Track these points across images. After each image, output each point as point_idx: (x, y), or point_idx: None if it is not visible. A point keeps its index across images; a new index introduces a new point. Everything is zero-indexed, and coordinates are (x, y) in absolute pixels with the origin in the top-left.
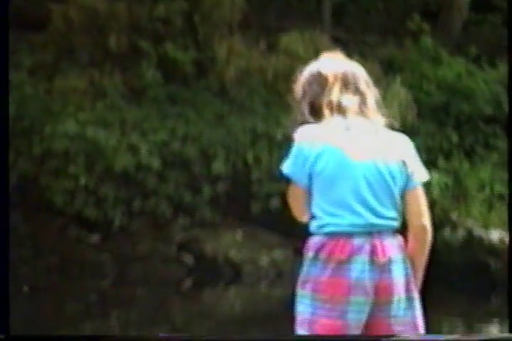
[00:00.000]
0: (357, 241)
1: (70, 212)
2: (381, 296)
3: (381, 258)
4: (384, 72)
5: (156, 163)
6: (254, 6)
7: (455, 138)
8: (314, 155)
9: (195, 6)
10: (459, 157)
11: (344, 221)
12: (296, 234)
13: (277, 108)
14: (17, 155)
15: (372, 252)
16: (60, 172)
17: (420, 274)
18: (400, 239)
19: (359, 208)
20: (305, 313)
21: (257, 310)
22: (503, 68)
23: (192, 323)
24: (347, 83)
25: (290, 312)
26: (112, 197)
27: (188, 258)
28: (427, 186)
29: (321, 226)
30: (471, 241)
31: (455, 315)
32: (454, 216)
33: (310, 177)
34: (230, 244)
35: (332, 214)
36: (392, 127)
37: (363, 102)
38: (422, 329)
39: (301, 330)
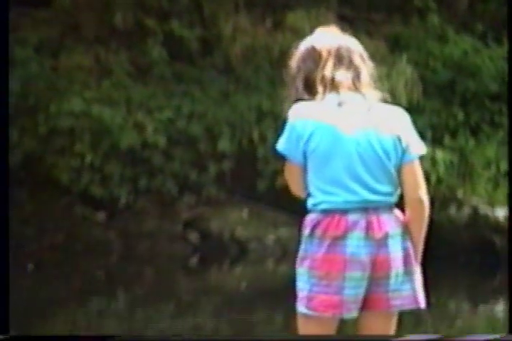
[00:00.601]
0: (352, 217)
1: (75, 190)
2: (378, 271)
3: (377, 233)
4: (390, 49)
5: (161, 141)
6: None
7: (461, 116)
8: (308, 133)
9: None
10: (465, 135)
11: (338, 198)
12: (302, 212)
13: (282, 86)
14: (22, 133)
15: (368, 227)
16: (66, 150)
17: (420, 247)
18: (398, 213)
19: (353, 185)
20: (304, 290)
21: (263, 288)
22: (508, 45)
23: (198, 300)
24: (341, 58)
25: (295, 289)
26: (118, 175)
27: (194, 236)
28: (433, 164)
29: (316, 204)
30: (477, 219)
31: (461, 292)
32: (459, 194)
33: (304, 155)
34: (236, 221)
35: (326, 192)
36: (387, 101)
37: (357, 77)
38: (422, 303)
39: (300, 307)
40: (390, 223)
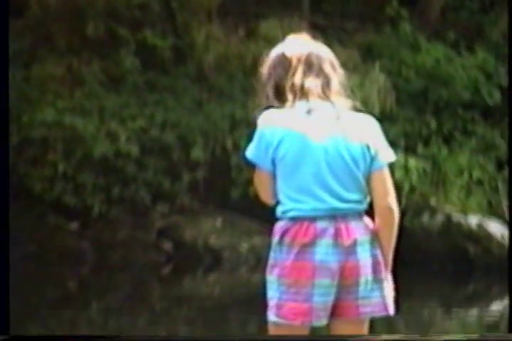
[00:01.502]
0: (320, 225)
1: (48, 199)
2: (347, 278)
3: (346, 241)
4: (363, 58)
5: (134, 150)
6: None
7: (433, 124)
8: (276, 141)
9: None
10: (438, 143)
11: (307, 206)
12: (276, 220)
13: (255, 93)
14: None
15: (337, 234)
16: (39, 159)
17: (390, 255)
18: (367, 220)
19: (321, 193)
20: (273, 298)
21: (237, 296)
22: (481, 54)
23: (172, 309)
24: (311, 65)
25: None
26: (91, 184)
27: (168, 245)
28: (406, 172)
29: (285, 212)
30: (450, 227)
31: (434, 299)
32: (432, 201)
33: (273, 162)
34: (210, 230)
35: (295, 200)
36: (358, 109)
37: (326, 84)
38: (391, 310)
39: (270, 315)
40: (358, 230)
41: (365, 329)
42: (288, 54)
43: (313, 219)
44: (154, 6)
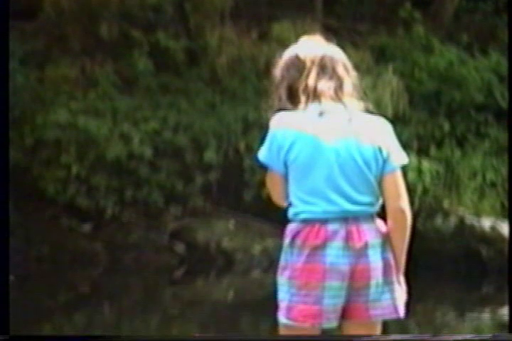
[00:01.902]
0: (332, 227)
1: (61, 201)
2: (358, 281)
3: (357, 243)
4: (375, 60)
5: (148, 152)
6: None
7: (447, 127)
8: (288, 143)
9: None
10: (451, 145)
11: (318, 208)
12: (288, 222)
13: (267, 95)
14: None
15: (348, 237)
16: (52, 161)
17: (402, 257)
18: (379, 223)
19: (333, 196)
20: (284, 300)
21: (250, 298)
22: (494, 56)
23: (184, 312)
24: (324, 67)
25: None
26: (104, 186)
27: (181, 247)
28: (419, 174)
29: (297, 214)
30: (463, 229)
31: (447, 302)
32: (445, 204)
33: (285, 165)
34: (223, 232)
35: (306, 202)
36: (371, 111)
37: (339, 87)
38: (401, 313)
39: (281, 317)
40: (370, 233)
41: (377, 332)
42: (302, 56)
43: (324, 221)
44: (168, 8)
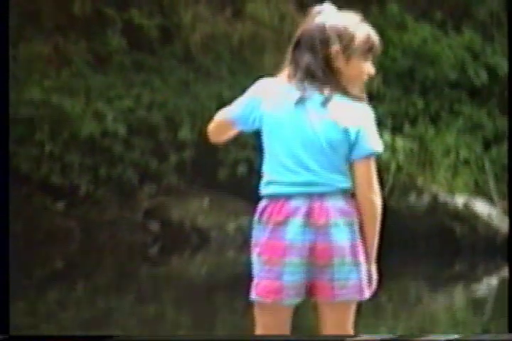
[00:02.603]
0: (294, 203)
1: (35, 179)
2: (319, 259)
3: (318, 220)
4: None
5: (121, 130)
6: None
7: (420, 104)
8: (261, 112)
9: None
10: (425, 122)
11: (284, 178)
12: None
13: (243, 74)
14: None
15: (309, 214)
16: (26, 139)
17: (373, 244)
18: (349, 202)
19: (297, 168)
20: (255, 277)
21: (224, 276)
22: (468, 34)
23: (159, 289)
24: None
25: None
26: (78, 164)
27: (155, 225)
28: (393, 152)
29: (265, 185)
30: (437, 207)
31: (421, 279)
32: (419, 181)
33: (253, 123)
34: (197, 210)
35: (273, 172)
36: (357, 97)
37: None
38: (366, 294)
39: (252, 293)
40: (334, 211)
41: (349, 315)
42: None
43: (288, 197)
44: None
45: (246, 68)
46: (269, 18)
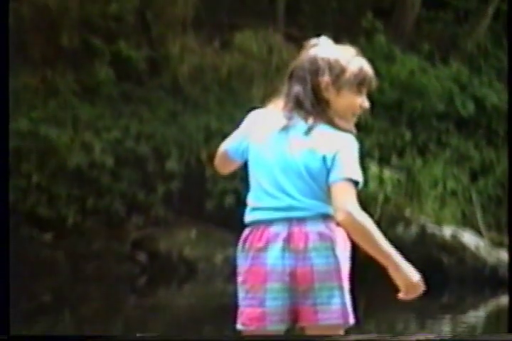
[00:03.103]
0: (274, 229)
1: (22, 210)
2: (300, 283)
3: (297, 245)
4: None
5: (109, 161)
6: (207, 4)
7: (408, 136)
8: (248, 142)
9: (148, 3)
10: (412, 154)
11: (265, 204)
12: None
13: (231, 105)
14: None
15: (289, 239)
16: (13, 170)
17: (381, 258)
18: (330, 226)
19: (277, 193)
20: (240, 305)
21: (212, 307)
22: (455, 65)
23: (147, 321)
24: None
25: None
26: (65, 195)
27: (142, 256)
28: (381, 183)
29: (248, 213)
30: (424, 238)
31: (408, 311)
32: (407, 212)
33: (243, 154)
34: (185, 241)
35: (256, 199)
36: (344, 128)
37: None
38: (351, 319)
39: (237, 323)
40: (314, 235)
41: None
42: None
43: (269, 222)
44: (129, 18)
45: (234, 99)
46: (257, 49)
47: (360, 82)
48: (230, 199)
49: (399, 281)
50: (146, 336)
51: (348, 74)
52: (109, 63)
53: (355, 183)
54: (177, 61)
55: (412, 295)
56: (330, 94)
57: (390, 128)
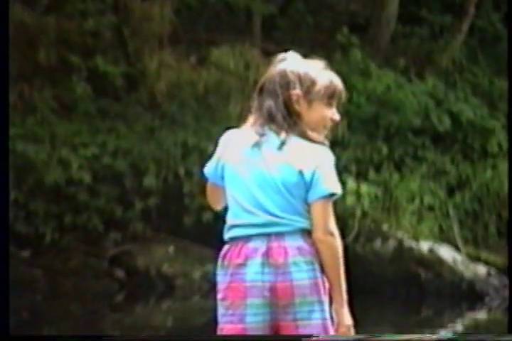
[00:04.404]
0: (253, 244)
1: None
2: (281, 298)
3: (276, 260)
4: None
5: (87, 178)
6: (183, 20)
7: (385, 150)
8: (223, 162)
9: (125, 19)
10: (389, 169)
11: (243, 220)
12: None
13: (208, 121)
14: None
15: (268, 254)
16: None
17: (337, 284)
18: (308, 241)
19: (255, 210)
20: (219, 321)
21: (191, 323)
22: (430, 80)
23: (125, 337)
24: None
25: None
26: (43, 211)
27: (120, 273)
28: (358, 198)
29: (227, 230)
30: (402, 252)
31: (387, 325)
32: (384, 227)
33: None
34: (163, 258)
35: (234, 216)
36: (316, 141)
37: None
38: (332, 333)
39: None
40: (293, 250)
41: None
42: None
43: (248, 238)
44: (106, 33)
45: (211, 115)
46: (234, 65)
47: (330, 95)
48: (208, 215)
49: (339, 317)
50: (147, 336)
51: (318, 87)
52: (86, 79)
53: (334, 195)
54: (154, 77)
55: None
56: (301, 107)
57: (366, 143)
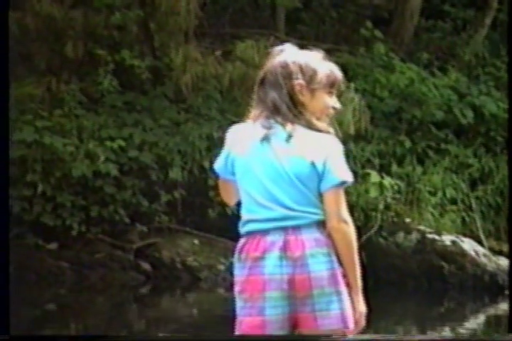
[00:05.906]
0: (271, 237)
1: (27, 219)
2: (299, 291)
3: (294, 253)
4: None
5: (113, 171)
6: (209, 14)
7: (408, 144)
8: (232, 156)
9: (151, 13)
10: (412, 162)
11: (260, 216)
12: None
13: (233, 114)
14: None
15: (285, 247)
16: (18, 179)
17: (353, 273)
18: (324, 232)
19: (270, 204)
20: (238, 315)
21: (216, 315)
22: (453, 73)
23: (150, 329)
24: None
25: None
26: (70, 204)
27: (146, 265)
28: (381, 191)
29: (243, 225)
30: (425, 245)
31: (409, 318)
32: (407, 220)
33: (233, 173)
34: (188, 250)
35: (249, 211)
36: (323, 129)
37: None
38: (351, 324)
39: (236, 332)
40: (310, 242)
41: None
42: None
43: (265, 232)
44: (132, 27)
45: (236, 108)
46: (259, 59)
47: (331, 84)
48: (232, 208)
49: (354, 304)
50: (149, 336)
51: (319, 76)
52: (113, 72)
53: (345, 183)
54: (180, 70)
55: (357, 327)
56: (305, 97)
57: (389, 136)
